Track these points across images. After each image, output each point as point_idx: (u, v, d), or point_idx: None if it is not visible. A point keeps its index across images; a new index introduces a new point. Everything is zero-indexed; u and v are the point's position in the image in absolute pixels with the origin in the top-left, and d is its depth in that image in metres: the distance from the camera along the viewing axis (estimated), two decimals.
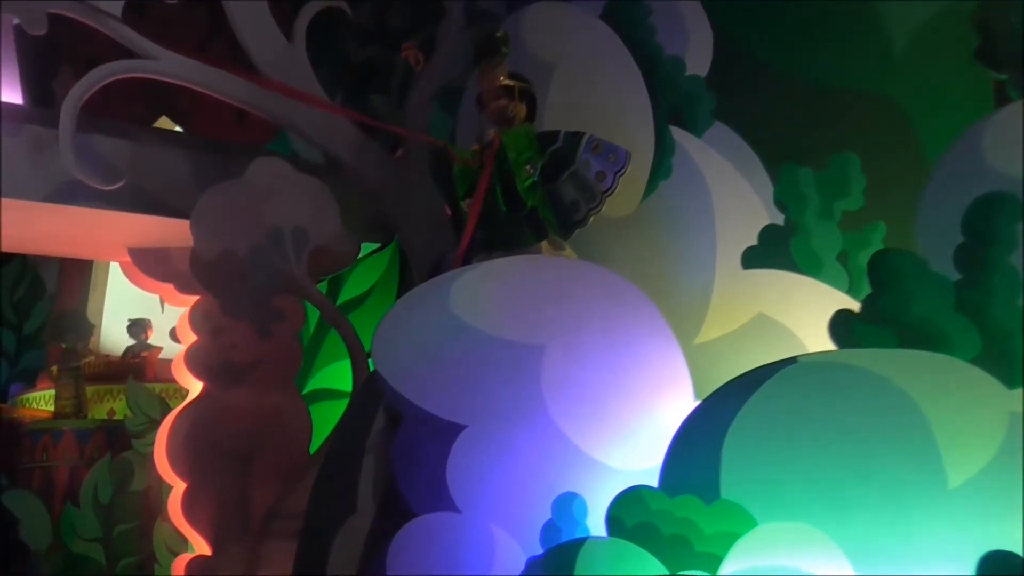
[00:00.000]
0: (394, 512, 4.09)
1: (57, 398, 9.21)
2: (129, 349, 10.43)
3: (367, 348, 6.04)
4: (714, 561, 3.26)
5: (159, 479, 7.96)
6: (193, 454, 6.42)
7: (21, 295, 11.71)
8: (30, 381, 10.74)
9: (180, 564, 6.59)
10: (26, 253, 9.32)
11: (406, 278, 6.54)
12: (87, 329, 9.30)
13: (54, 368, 9.29)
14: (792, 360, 3.50)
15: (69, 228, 6.75)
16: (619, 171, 4.62)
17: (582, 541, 3.44)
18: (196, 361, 6.55)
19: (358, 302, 6.52)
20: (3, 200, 5.96)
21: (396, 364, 4.01)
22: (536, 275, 4.16)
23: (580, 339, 3.93)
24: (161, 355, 9.95)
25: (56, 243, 7.55)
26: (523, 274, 4.17)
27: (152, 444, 7.99)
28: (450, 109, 6.26)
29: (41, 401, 10.05)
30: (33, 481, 8.75)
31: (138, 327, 10.39)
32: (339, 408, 6.28)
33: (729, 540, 3.22)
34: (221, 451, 6.42)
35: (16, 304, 11.75)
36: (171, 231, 6.55)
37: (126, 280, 11.79)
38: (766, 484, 3.27)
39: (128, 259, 7.15)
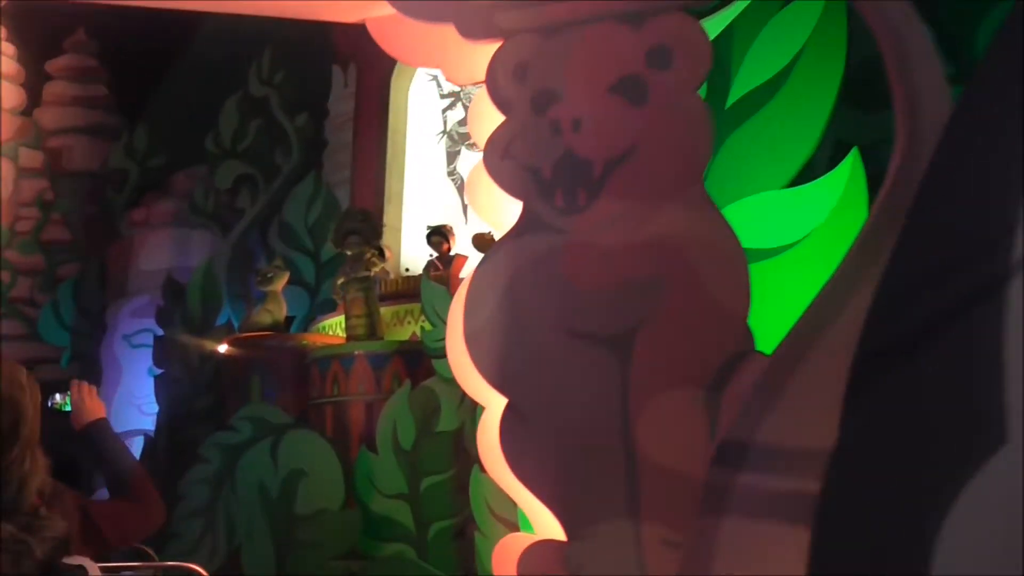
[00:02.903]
0: None
1: (347, 318, 6.65)
2: (430, 263, 7.83)
3: None
4: None
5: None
6: (511, 339, 3.17)
7: (316, 217, 9.34)
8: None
9: (507, 552, 3.49)
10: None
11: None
12: (374, 229, 6.68)
13: (339, 281, 6.76)
14: None
15: None
16: None
17: None
18: (503, 157, 3.16)
19: (769, 91, 3.24)
20: None
21: None
22: None
23: None
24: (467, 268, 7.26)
25: None
26: None
27: None
28: None
29: (337, 328, 7.63)
30: (324, 420, 6.26)
31: (439, 235, 7.75)
32: (776, 276, 3.11)
33: None
34: (564, 329, 3.15)
35: (311, 228, 9.41)
36: None
37: (424, 190, 9.28)
38: None
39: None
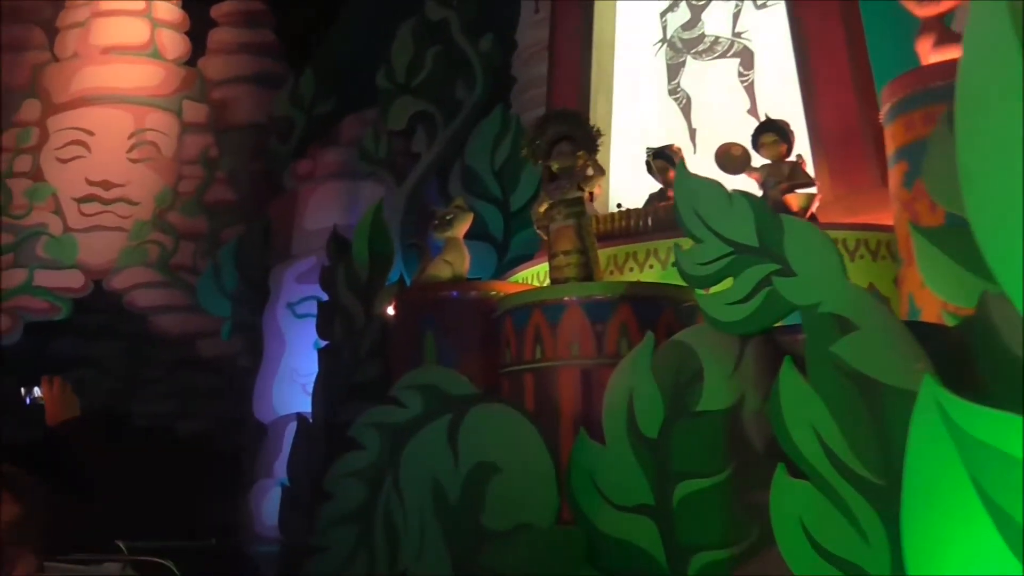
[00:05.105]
0: None
1: (551, 256, 4.71)
2: (653, 196, 5.81)
3: None
4: None
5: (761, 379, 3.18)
6: None
7: (504, 158, 7.50)
8: None
9: None
10: None
11: None
12: (590, 135, 4.66)
13: (541, 208, 4.80)
14: None
15: None
16: None
17: None
18: None
19: None
20: None
21: None
22: None
23: None
24: None
25: None
26: None
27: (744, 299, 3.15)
28: None
29: (534, 280, 5.74)
30: (521, 395, 4.29)
31: (662, 158, 5.70)
32: None
33: None
34: None
35: (498, 172, 7.56)
36: None
37: (638, 112, 7.20)
38: None
39: None
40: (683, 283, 3.51)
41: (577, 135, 4.45)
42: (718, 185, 3.18)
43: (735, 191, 3.11)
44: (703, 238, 3.16)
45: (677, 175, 3.35)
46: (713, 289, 3.25)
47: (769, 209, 3.01)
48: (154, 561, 4.33)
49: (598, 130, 4.51)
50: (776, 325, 3.21)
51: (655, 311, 3.96)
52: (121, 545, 4.44)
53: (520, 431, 3.52)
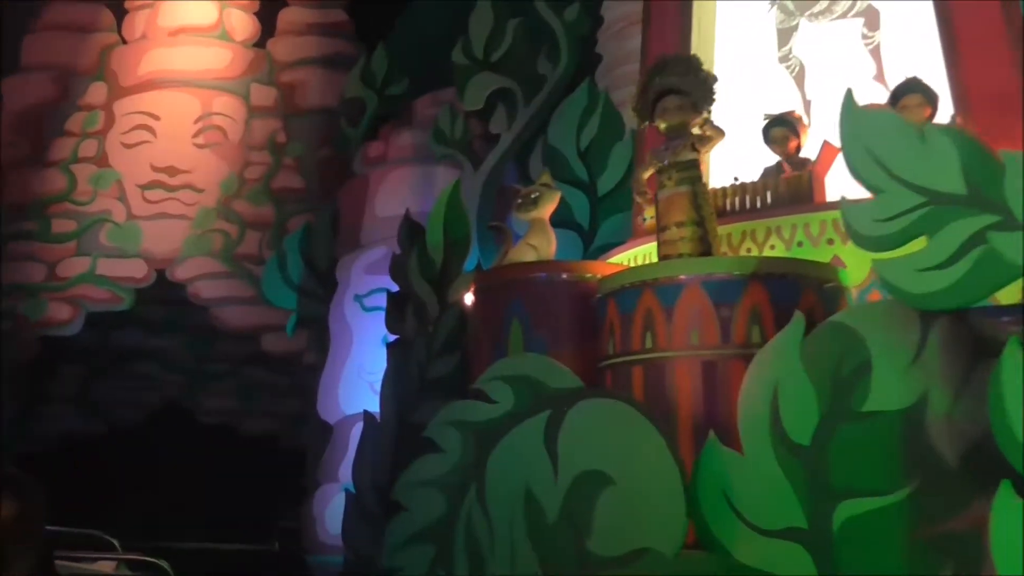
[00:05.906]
0: None
1: (660, 228, 3.90)
2: (768, 170, 5.06)
3: None
4: None
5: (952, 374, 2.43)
6: None
7: (591, 138, 6.81)
8: None
9: None
10: None
11: None
12: (705, 86, 3.90)
13: (646, 173, 4.06)
14: None
15: None
16: None
17: None
18: None
19: None
20: None
21: None
22: None
23: None
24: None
25: None
26: None
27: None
28: None
29: (631, 263, 5.02)
30: (629, 393, 3.63)
31: (782, 125, 4.98)
32: None
33: None
34: None
35: (584, 152, 6.87)
36: None
37: (745, 82, 6.43)
38: None
39: None
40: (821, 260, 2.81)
41: (685, 86, 3.75)
42: (900, 119, 2.45)
43: (929, 124, 2.38)
44: (884, 187, 2.43)
45: (844, 109, 2.63)
46: (895, 252, 2.53)
47: (981, 143, 2.28)
48: (148, 561, 4.20)
49: (713, 77, 3.80)
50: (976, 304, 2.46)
51: (793, 292, 3.24)
52: (114, 541, 4.33)
53: (638, 433, 2.82)
